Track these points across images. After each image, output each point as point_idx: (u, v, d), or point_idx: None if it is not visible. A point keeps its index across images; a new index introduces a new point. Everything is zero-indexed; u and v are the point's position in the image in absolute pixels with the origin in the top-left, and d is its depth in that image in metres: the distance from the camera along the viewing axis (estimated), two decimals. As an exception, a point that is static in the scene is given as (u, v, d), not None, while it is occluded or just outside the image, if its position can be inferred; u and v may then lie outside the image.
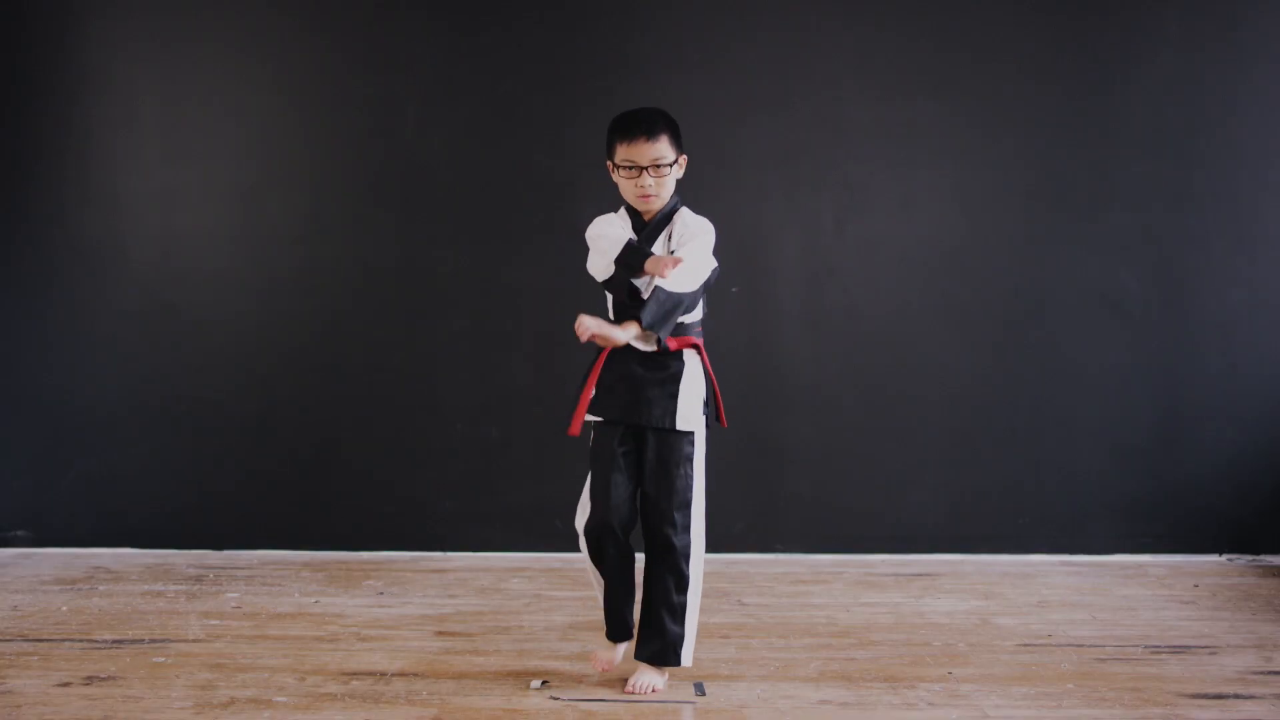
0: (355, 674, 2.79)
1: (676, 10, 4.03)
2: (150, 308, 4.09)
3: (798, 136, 4.01)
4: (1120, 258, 4.00)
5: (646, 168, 2.62)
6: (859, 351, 4.03)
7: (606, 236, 2.68)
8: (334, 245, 4.07)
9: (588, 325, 2.46)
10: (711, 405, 2.74)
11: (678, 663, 2.67)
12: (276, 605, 3.41)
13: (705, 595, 3.49)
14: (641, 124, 2.60)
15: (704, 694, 2.66)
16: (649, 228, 2.71)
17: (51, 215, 4.09)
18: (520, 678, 2.77)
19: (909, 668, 2.84)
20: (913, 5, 3.98)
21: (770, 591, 3.58)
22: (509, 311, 4.04)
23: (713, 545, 3.98)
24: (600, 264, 2.68)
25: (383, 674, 2.79)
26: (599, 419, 2.71)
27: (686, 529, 2.66)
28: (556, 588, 3.59)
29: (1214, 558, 3.99)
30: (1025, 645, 3.02)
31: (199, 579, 3.72)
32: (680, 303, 2.57)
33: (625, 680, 2.70)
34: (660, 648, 2.67)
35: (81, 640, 3.06)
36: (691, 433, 2.67)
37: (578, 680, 2.76)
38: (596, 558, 2.71)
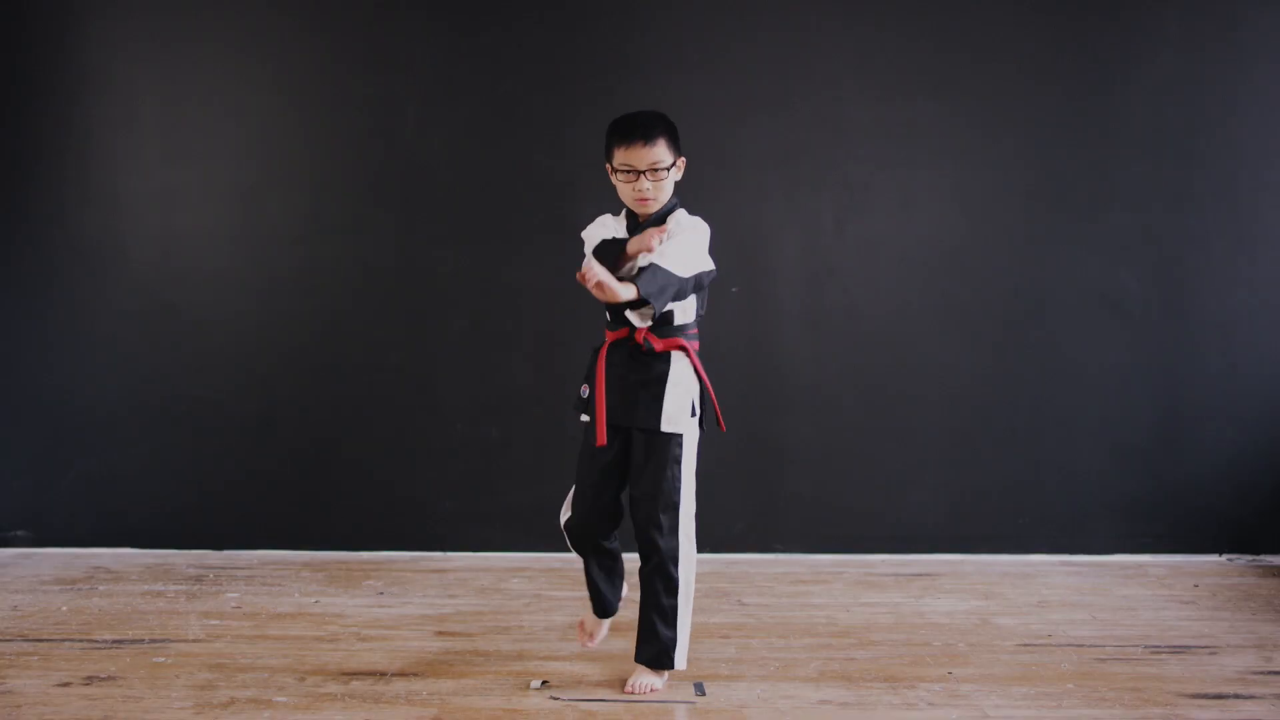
0: (355, 674, 2.79)
1: (676, 10, 4.03)
2: (150, 308, 4.09)
3: (798, 136, 4.01)
4: (1120, 258, 4.00)
5: (644, 172, 2.63)
6: (859, 351, 4.03)
7: (589, 239, 2.74)
8: (334, 245, 4.07)
9: (596, 272, 2.41)
10: (708, 409, 2.74)
11: (670, 666, 2.68)
12: (276, 605, 3.41)
13: (705, 595, 3.50)
14: (639, 128, 2.60)
15: (704, 694, 2.66)
16: (643, 228, 2.71)
17: (51, 215, 4.09)
18: (520, 678, 2.77)
19: (909, 668, 2.84)
20: (913, 5, 3.98)
21: (770, 591, 3.58)
22: (509, 311, 4.04)
23: (713, 545, 4.03)
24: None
25: (383, 674, 2.79)
26: (588, 419, 2.75)
27: (673, 531, 2.66)
28: (556, 588, 3.59)
29: (1214, 558, 3.99)
30: (1025, 645, 3.02)
31: (199, 579, 3.72)
32: (674, 282, 2.53)
33: (625, 680, 2.70)
34: (654, 652, 2.68)
35: (81, 640, 3.06)
36: (679, 435, 2.67)
37: (578, 680, 2.76)
38: (579, 550, 2.84)
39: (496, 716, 2.53)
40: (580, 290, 2.93)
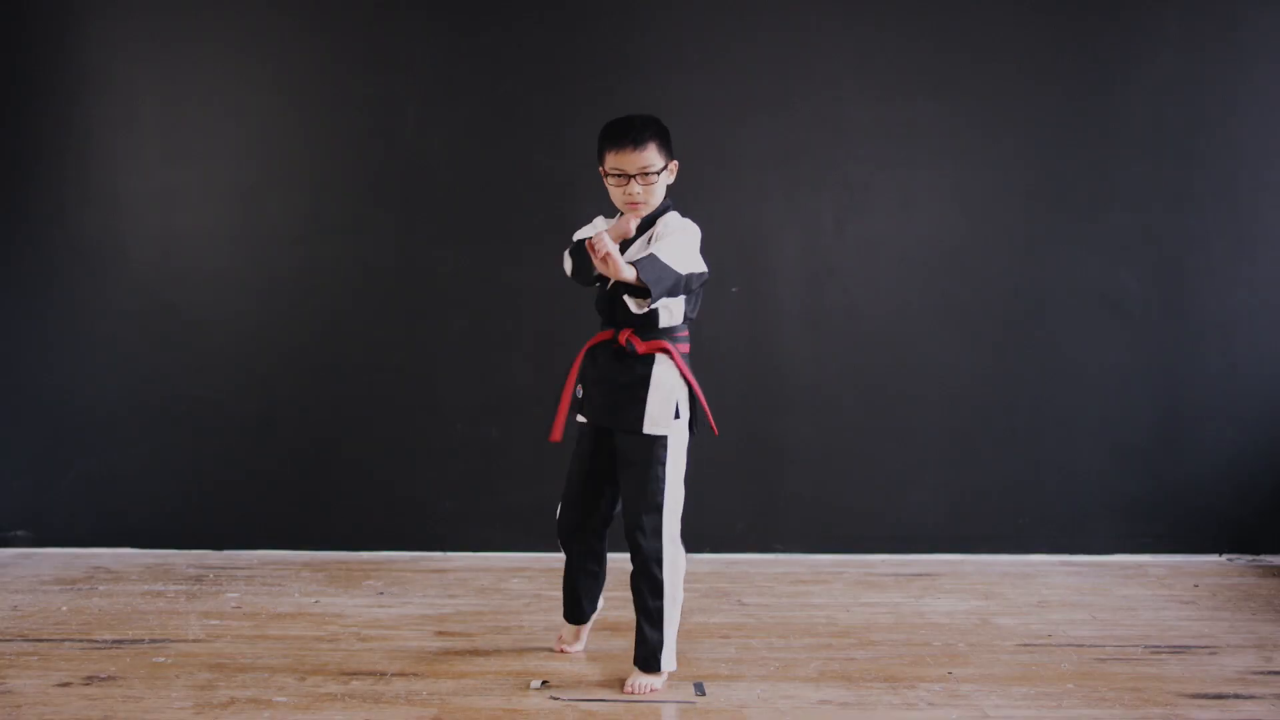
0: (355, 674, 2.79)
1: (676, 10, 4.03)
2: (150, 308, 4.09)
3: (798, 136, 4.01)
4: (1120, 258, 4.00)
5: (634, 176, 2.63)
6: (859, 351, 4.03)
7: (576, 240, 2.77)
8: (334, 245, 4.07)
9: (606, 244, 2.43)
10: (697, 412, 2.74)
11: (658, 668, 2.68)
12: (276, 605, 3.41)
13: (705, 595, 3.50)
14: (628, 133, 2.62)
15: (704, 694, 2.66)
16: (638, 233, 2.73)
17: (51, 215, 4.09)
18: (520, 678, 2.77)
19: (909, 668, 2.84)
20: (913, 5, 3.98)
21: (770, 591, 3.58)
22: (509, 311, 4.05)
23: (713, 545, 4.03)
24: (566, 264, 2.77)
25: (383, 674, 2.79)
26: (581, 420, 2.80)
27: (656, 534, 2.66)
28: (556, 588, 3.58)
29: (1214, 558, 3.99)
30: (1025, 645, 3.02)
31: (199, 579, 3.72)
32: (670, 275, 2.53)
33: (625, 680, 2.71)
34: (643, 654, 2.70)
35: (81, 640, 3.06)
36: (663, 437, 2.67)
37: (578, 680, 2.76)
38: (562, 541, 2.88)
39: (496, 716, 2.53)
40: (580, 290, 2.94)
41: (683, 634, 3.06)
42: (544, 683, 2.73)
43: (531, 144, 4.02)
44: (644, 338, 2.68)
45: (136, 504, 4.10)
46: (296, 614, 3.33)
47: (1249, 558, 3.99)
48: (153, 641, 3.05)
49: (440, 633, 3.14)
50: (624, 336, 2.68)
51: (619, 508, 2.80)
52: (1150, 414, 4.01)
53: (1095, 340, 4.00)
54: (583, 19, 4.03)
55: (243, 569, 3.85)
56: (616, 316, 2.71)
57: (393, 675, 2.78)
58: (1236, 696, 2.64)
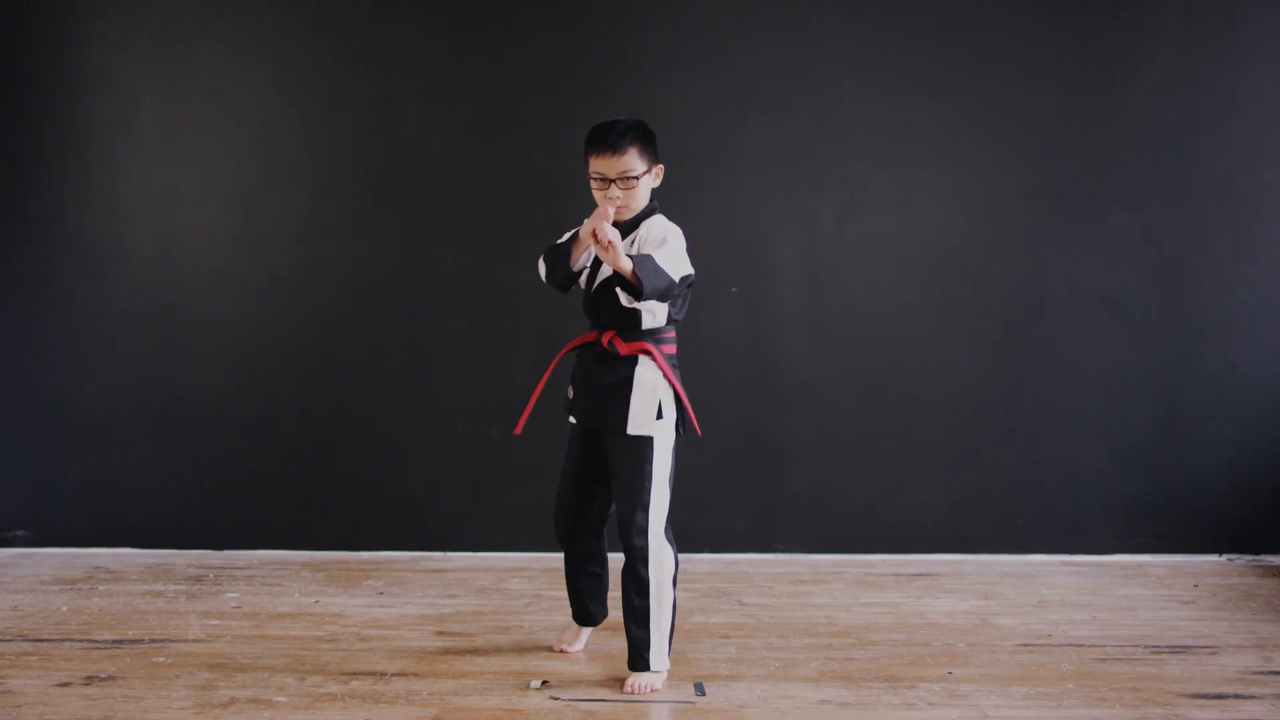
0: (355, 674, 2.79)
1: (676, 10, 4.03)
2: (150, 308, 4.09)
3: (798, 136, 4.01)
4: (1120, 258, 4.00)
5: (614, 180, 2.66)
6: (859, 351, 4.03)
7: (553, 245, 2.81)
8: (334, 245, 4.07)
9: (608, 232, 2.47)
10: (682, 412, 2.74)
11: (645, 668, 2.69)
12: (276, 605, 3.41)
13: (705, 595, 3.50)
14: (608, 138, 2.66)
15: (704, 694, 2.66)
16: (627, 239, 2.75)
17: (51, 215, 4.09)
18: (520, 678, 2.77)
19: (909, 668, 2.84)
20: (913, 5, 3.98)
21: (770, 591, 3.58)
22: (509, 311, 4.04)
23: (713, 545, 4.03)
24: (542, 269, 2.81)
25: (383, 674, 2.79)
26: (572, 421, 2.83)
27: (643, 532, 2.67)
28: (556, 588, 3.58)
29: (1214, 558, 3.99)
30: (1025, 645, 3.02)
31: (199, 579, 3.72)
32: (664, 277, 2.55)
33: (625, 680, 2.70)
34: (631, 652, 2.71)
35: (81, 640, 3.06)
36: (648, 438, 2.68)
37: (578, 680, 2.76)
38: (559, 538, 2.91)
39: (496, 716, 2.53)
40: (580, 291, 2.94)
41: (683, 634, 3.07)
42: (544, 683, 2.73)
43: (531, 144, 4.01)
44: (626, 339, 2.71)
45: (136, 504, 4.10)
46: (296, 614, 3.33)
47: (1249, 558, 3.99)
48: (153, 641, 3.05)
49: (440, 633, 3.14)
50: (606, 338, 2.71)
51: (614, 508, 2.81)
52: (1150, 414, 4.00)
53: (1095, 340, 4.00)
54: (583, 19, 4.03)
55: (243, 569, 3.85)
56: (601, 318, 2.74)
57: (393, 675, 2.78)
58: (1236, 696, 2.64)
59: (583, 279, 2.78)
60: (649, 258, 2.55)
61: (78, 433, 4.11)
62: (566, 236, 2.78)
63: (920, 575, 3.78)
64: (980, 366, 4.02)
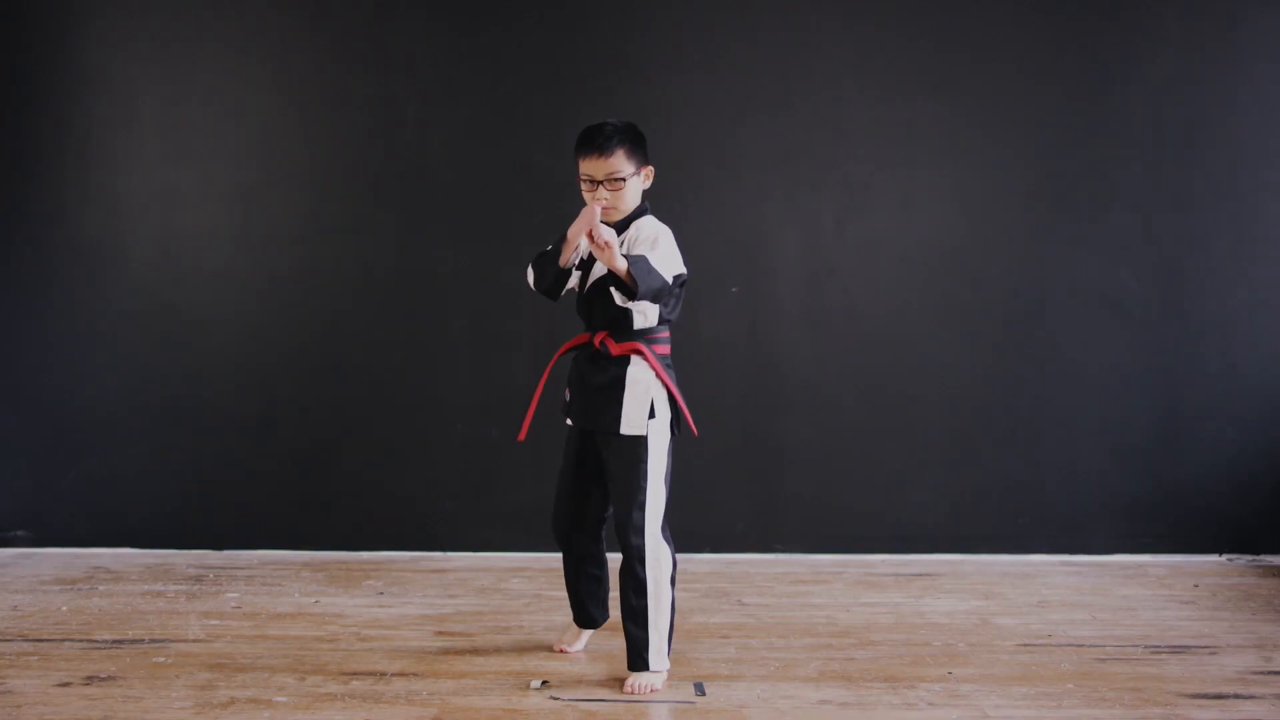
0: (355, 674, 2.79)
1: (676, 10, 4.03)
2: (150, 308, 4.09)
3: (798, 136, 4.01)
4: (1120, 258, 4.00)
5: (602, 181, 2.68)
6: (859, 351, 4.03)
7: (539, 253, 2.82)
8: (334, 245, 4.07)
9: (604, 233, 2.49)
10: (677, 411, 2.74)
11: (645, 667, 2.69)
12: (276, 605, 3.41)
13: (705, 595, 3.50)
14: (595, 140, 2.68)
15: (704, 694, 2.66)
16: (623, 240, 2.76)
17: (51, 215, 4.09)
18: (520, 678, 2.77)
19: (909, 668, 2.84)
20: (913, 5, 3.98)
21: (770, 591, 3.58)
22: (509, 311, 4.04)
23: (713, 545, 4.03)
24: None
25: (383, 674, 2.79)
26: (568, 422, 2.85)
27: (639, 532, 2.67)
28: (556, 588, 3.58)
29: (1214, 558, 3.99)
30: (1025, 645, 3.02)
31: (199, 579, 3.72)
32: (658, 277, 2.56)
33: (625, 680, 2.70)
34: (630, 652, 2.71)
35: (81, 640, 3.06)
36: (642, 437, 2.69)
37: (578, 680, 2.76)
38: (557, 539, 2.91)
39: (496, 716, 2.53)
40: (574, 293, 2.94)
41: (683, 634, 3.07)
42: (544, 683, 2.73)
43: (531, 144, 4.01)
44: (618, 340, 2.72)
45: (136, 504, 4.10)
46: (296, 614, 3.33)
47: (1249, 558, 3.99)
48: (153, 641, 3.05)
49: (440, 633, 3.14)
50: (599, 339, 2.73)
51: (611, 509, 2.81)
52: (1150, 414, 4.00)
53: (1095, 340, 4.00)
54: (583, 19, 4.03)
55: (243, 569, 3.85)
56: (594, 319, 2.76)
57: (393, 675, 2.78)
58: (1236, 696, 2.64)
59: (575, 280, 2.78)
60: (643, 258, 2.57)
61: (78, 433, 4.11)
62: (551, 246, 2.79)
63: (920, 575, 3.78)
64: (980, 366, 4.02)
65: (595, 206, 2.61)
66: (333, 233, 4.07)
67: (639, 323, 2.71)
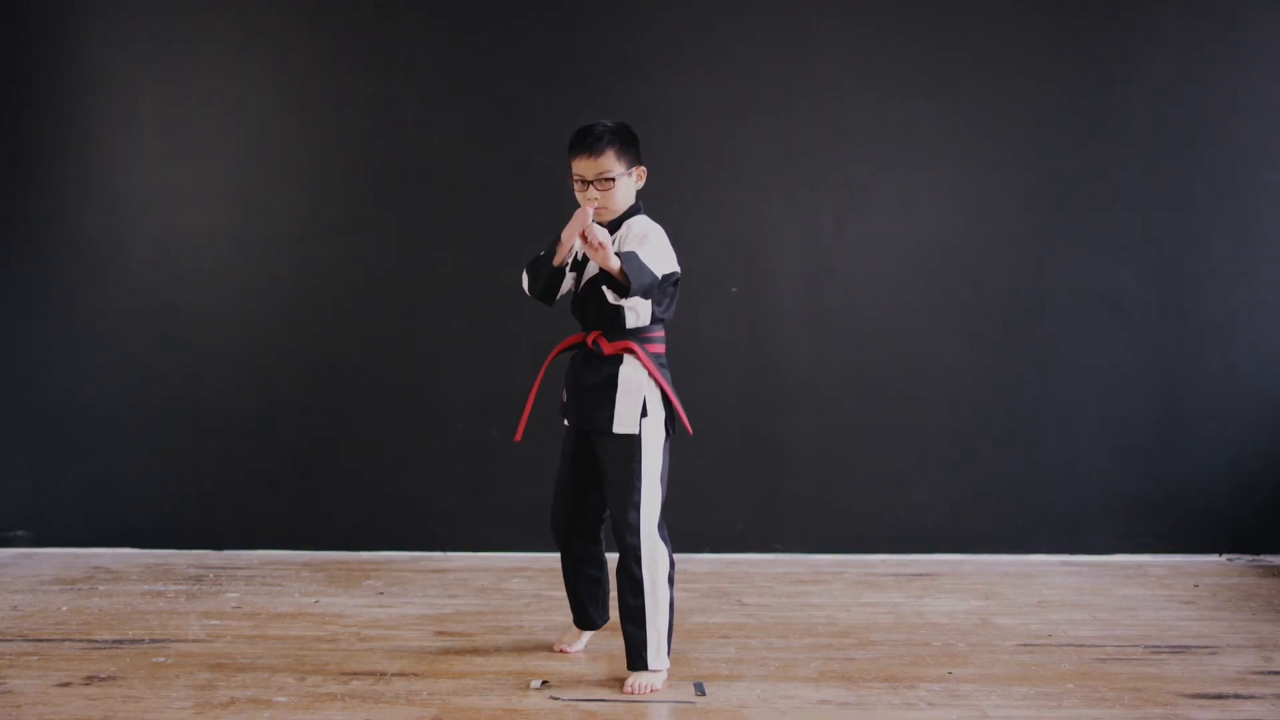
0: (355, 674, 2.79)
1: (676, 10, 4.03)
2: (150, 308, 4.09)
3: (798, 136, 4.01)
4: (1120, 258, 4.00)
5: (592, 181, 2.69)
6: (859, 351, 4.03)
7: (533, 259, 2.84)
8: (334, 245, 4.07)
9: (599, 234, 2.50)
10: (669, 411, 2.74)
11: (644, 666, 2.69)
12: (276, 605, 3.41)
13: (705, 595, 3.50)
14: (585, 140, 2.70)
15: (704, 694, 2.66)
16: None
17: (51, 215, 4.09)
18: (520, 678, 2.77)
19: (909, 668, 2.84)
20: (913, 5, 3.98)
21: (770, 591, 3.58)
22: (509, 311, 4.04)
23: (713, 545, 4.03)
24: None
25: (383, 674, 2.79)
26: (565, 422, 2.86)
27: (635, 531, 2.68)
28: (556, 588, 3.58)
29: (1214, 558, 3.99)
30: (1025, 645, 3.02)
31: (199, 579, 3.72)
32: (648, 273, 2.56)
33: (625, 680, 2.70)
34: (629, 652, 2.71)
35: (81, 640, 3.06)
36: (634, 436, 2.69)
37: (578, 680, 2.76)
38: (555, 539, 2.92)
39: (496, 716, 2.53)
40: (568, 295, 2.94)
41: (683, 634, 3.07)
42: (544, 683, 2.73)
43: (531, 144, 4.01)
44: (611, 339, 2.72)
45: (136, 504, 4.10)
46: (296, 614, 3.33)
47: (1249, 558, 3.99)
48: (153, 641, 3.05)
49: (440, 633, 3.14)
50: (591, 338, 2.74)
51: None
52: (1150, 414, 4.00)
53: (1095, 340, 4.00)
54: (583, 19, 4.03)
55: (243, 569, 3.85)
56: (588, 319, 2.77)
57: (393, 675, 2.78)
58: (1236, 696, 2.64)
59: (569, 283, 2.80)
60: (633, 254, 2.58)
61: (78, 433, 4.11)
62: (544, 250, 2.79)
63: (920, 575, 3.78)
64: (980, 366, 4.02)
65: (588, 209, 2.62)
66: (333, 233, 4.07)
67: (631, 321, 2.72)
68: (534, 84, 4.02)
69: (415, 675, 2.78)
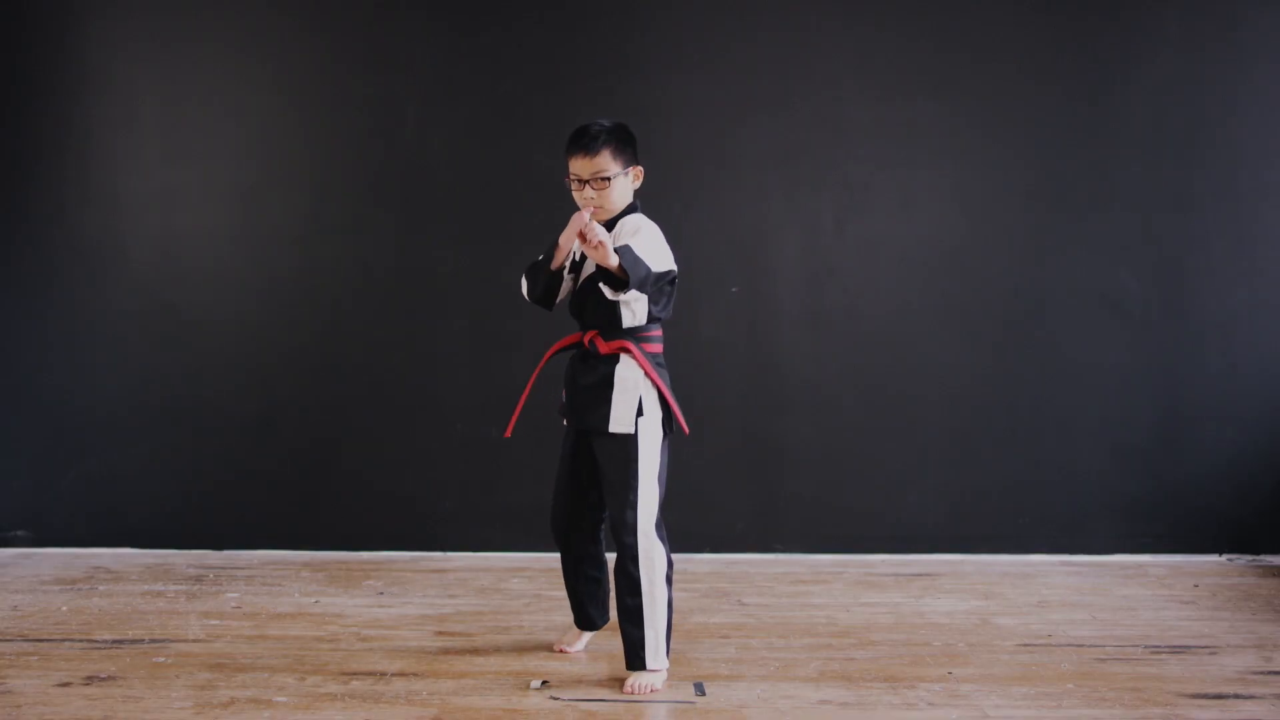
0: (355, 674, 2.79)
1: (676, 10, 4.03)
2: (150, 308, 4.09)
3: (798, 136, 4.01)
4: (1120, 258, 4.00)
5: (588, 180, 2.70)
6: (859, 351, 4.03)
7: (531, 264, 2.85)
8: (334, 245, 4.07)
9: (599, 233, 2.49)
10: (665, 411, 2.74)
11: (642, 666, 2.69)
12: (276, 605, 3.41)
13: (705, 595, 3.50)
14: (581, 140, 2.70)
15: (704, 694, 2.66)
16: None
17: (51, 215, 4.09)
18: (520, 678, 2.77)
19: (909, 668, 2.84)
20: (913, 5, 3.98)
21: (770, 591, 3.58)
22: (509, 311, 4.03)
23: (713, 545, 4.03)
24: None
25: (383, 674, 2.79)
26: (564, 421, 2.86)
27: (631, 530, 2.68)
28: (556, 588, 3.58)
29: (1214, 558, 3.99)
30: (1025, 645, 3.02)
31: (199, 579, 3.72)
32: (644, 267, 2.56)
33: (625, 680, 2.70)
34: (627, 651, 2.71)
35: (81, 640, 3.06)
36: (630, 435, 2.69)
37: (578, 680, 2.76)
38: (555, 539, 2.92)
39: (496, 716, 2.53)
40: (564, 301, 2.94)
41: (683, 634, 3.07)
42: (544, 683, 2.73)
43: (531, 144, 4.01)
44: (607, 338, 2.73)
45: (136, 504, 4.10)
46: (296, 614, 3.33)
47: (1249, 558, 3.99)
48: (153, 641, 3.05)
49: (440, 633, 3.14)
50: (588, 338, 2.74)
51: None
52: (1150, 414, 4.00)
53: (1095, 340, 4.00)
54: (583, 19, 4.03)
55: (243, 569, 3.85)
56: (586, 319, 2.78)
57: (393, 675, 2.78)
58: (1236, 696, 2.64)
59: (568, 286, 2.80)
60: (626, 247, 2.58)
61: (78, 433, 4.11)
62: (543, 255, 2.79)
63: (920, 575, 3.78)
64: (980, 366, 4.02)
65: (584, 212, 2.62)
66: (333, 233, 4.07)
67: (628, 320, 2.72)
68: (534, 84, 4.02)
69: (415, 675, 2.78)
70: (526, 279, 2.82)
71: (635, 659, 2.69)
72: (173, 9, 4.05)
